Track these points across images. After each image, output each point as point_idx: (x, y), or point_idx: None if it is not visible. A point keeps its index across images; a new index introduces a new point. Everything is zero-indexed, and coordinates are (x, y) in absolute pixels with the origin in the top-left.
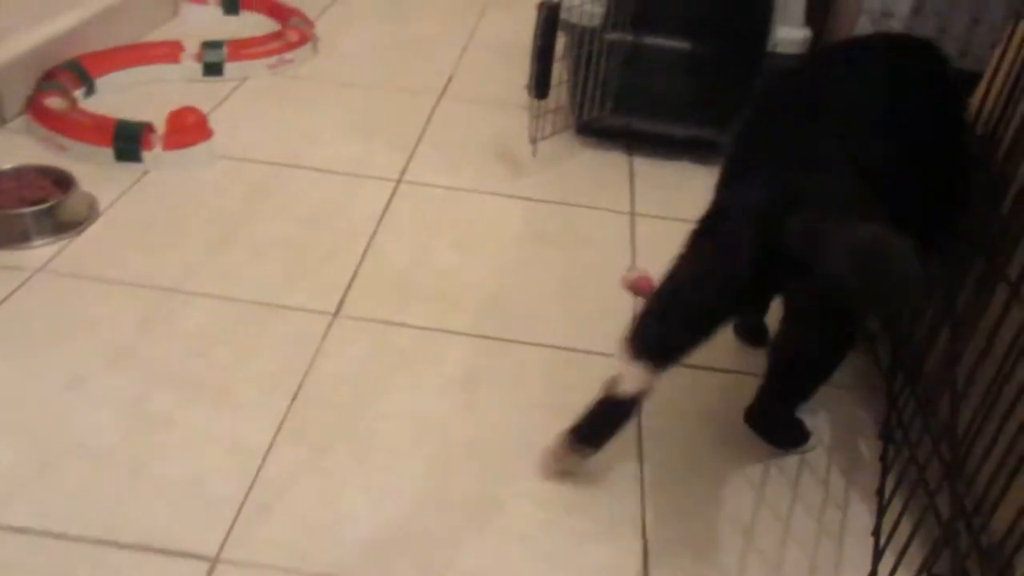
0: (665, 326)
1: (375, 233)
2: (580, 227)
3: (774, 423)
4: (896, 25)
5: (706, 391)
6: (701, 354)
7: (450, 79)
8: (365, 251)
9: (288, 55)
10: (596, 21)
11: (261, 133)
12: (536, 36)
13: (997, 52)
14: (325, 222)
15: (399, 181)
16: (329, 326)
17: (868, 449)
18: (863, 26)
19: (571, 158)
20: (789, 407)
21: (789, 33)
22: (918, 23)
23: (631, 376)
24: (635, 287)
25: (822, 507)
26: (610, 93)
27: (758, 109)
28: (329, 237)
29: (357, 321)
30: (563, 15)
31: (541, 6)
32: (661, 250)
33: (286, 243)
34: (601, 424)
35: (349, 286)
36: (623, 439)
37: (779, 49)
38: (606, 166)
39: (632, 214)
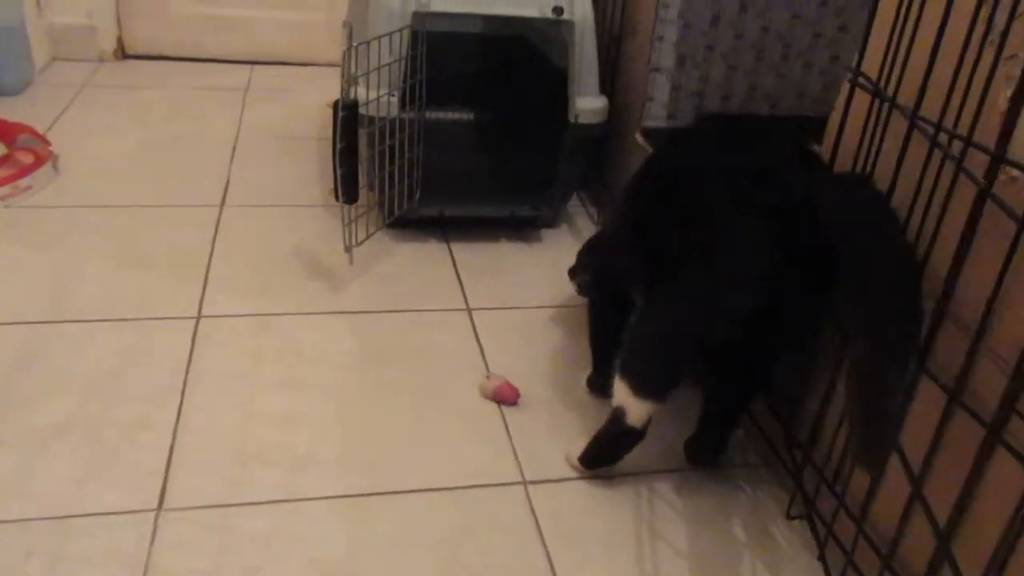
0: (665, 368)
1: (184, 389)
2: (420, 335)
3: (711, 450)
4: (663, 78)
5: (615, 504)
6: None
7: (227, 185)
8: (178, 416)
9: (24, 181)
10: (394, 111)
11: (4, 287)
12: (336, 138)
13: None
14: (117, 389)
15: (198, 317)
16: (155, 528)
17: (780, 532)
18: (653, 84)
19: (388, 257)
20: (728, 430)
21: (588, 103)
22: (681, 74)
23: (636, 411)
24: (497, 395)
25: None
26: (417, 182)
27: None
28: (127, 407)
29: (189, 512)
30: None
31: (337, 106)
32: (509, 344)
33: (70, 428)
34: (612, 451)
35: (168, 467)
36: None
37: (581, 120)
38: (427, 260)
39: (468, 310)
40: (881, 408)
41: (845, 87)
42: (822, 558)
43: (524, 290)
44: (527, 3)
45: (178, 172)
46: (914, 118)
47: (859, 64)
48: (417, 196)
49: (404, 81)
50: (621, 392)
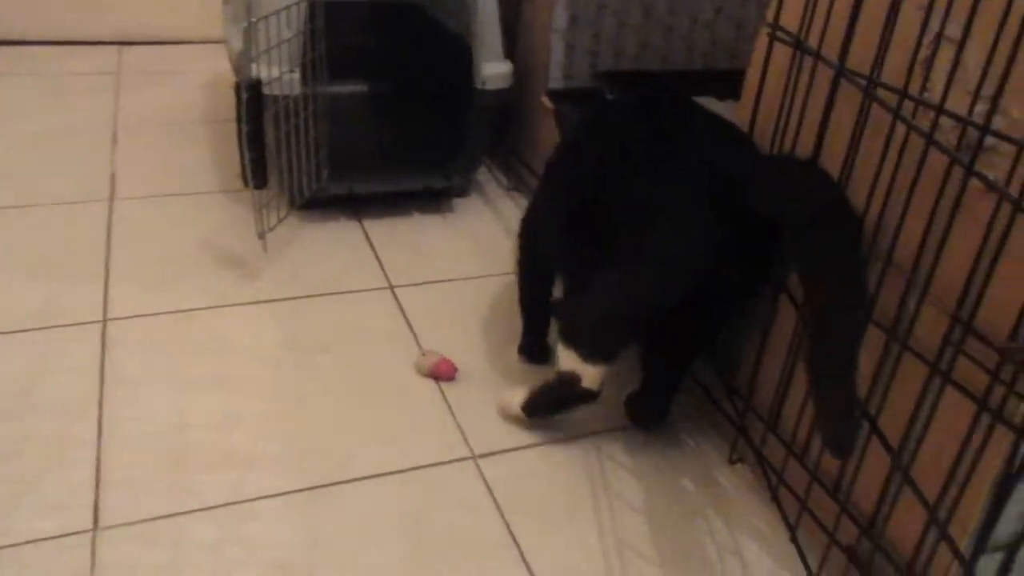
0: (615, 333)
1: (102, 399)
2: (346, 318)
3: (659, 413)
4: (558, 38)
5: (564, 468)
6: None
7: (114, 177)
8: (99, 428)
9: None
10: (297, 88)
11: None
12: (241, 121)
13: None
14: (29, 405)
15: (104, 321)
16: (93, 549)
17: (724, 477)
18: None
19: (301, 241)
20: (673, 393)
21: (493, 69)
22: (574, 33)
23: (590, 375)
24: (435, 372)
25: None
26: (325, 161)
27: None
28: (44, 424)
29: (128, 528)
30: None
31: (239, 87)
32: (436, 318)
33: None
34: (559, 405)
35: (98, 482)
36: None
37: (488, 86)
38: (341, 240)
39: (391, 287)
40: (840, 383)
41: (763, 41)
42: (775, 500)
43: (444, 262)
44: None
45: (55, 167)
46: (843, 70)
47: (777, 17)
48: (325, 175)
49: (305, 56)
50: (569, 360)
